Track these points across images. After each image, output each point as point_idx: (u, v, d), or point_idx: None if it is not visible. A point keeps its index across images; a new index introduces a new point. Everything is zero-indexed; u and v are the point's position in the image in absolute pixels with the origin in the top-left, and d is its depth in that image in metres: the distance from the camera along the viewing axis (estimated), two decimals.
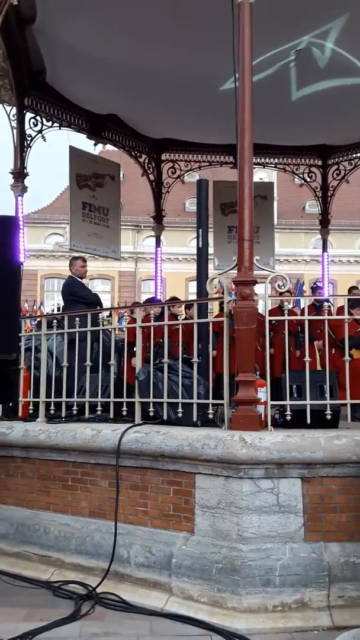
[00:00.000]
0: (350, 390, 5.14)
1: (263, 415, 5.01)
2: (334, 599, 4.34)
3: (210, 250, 6.44)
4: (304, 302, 9.59)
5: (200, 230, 6.02)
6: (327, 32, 7.23)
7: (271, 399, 5.08)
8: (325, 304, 5.42)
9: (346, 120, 9.61)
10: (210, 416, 5.24)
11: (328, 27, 7.11)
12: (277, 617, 4.27)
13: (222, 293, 5.50)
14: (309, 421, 5.02)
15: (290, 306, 8.47)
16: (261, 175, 24.65)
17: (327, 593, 4.34)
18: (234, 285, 5.13)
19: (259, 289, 5.15)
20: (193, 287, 9.91)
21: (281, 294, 5.89)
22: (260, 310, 5.84)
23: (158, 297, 11.58)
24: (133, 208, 32.89)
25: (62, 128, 9.25)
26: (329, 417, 5.05)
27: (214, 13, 5.89)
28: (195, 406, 5.30)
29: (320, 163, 11.57)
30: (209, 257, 6.44)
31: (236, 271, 5.10)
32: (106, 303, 27.90)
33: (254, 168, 5.94)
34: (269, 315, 5.43)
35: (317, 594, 4.34)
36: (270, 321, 5.38)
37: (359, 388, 5.25)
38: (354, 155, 11.20)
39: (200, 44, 7.14)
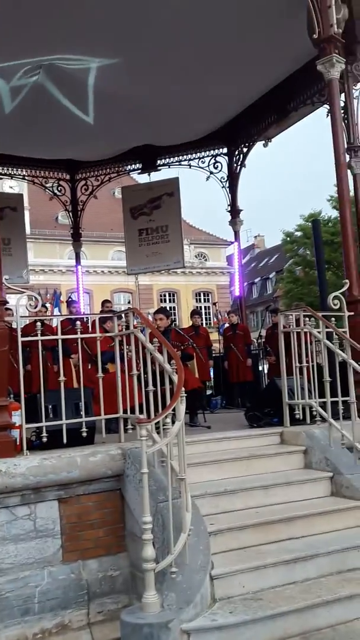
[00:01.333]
0: (105, 403, 5.25)
1: (18, 440, 4.86)
2: (93, 616, 4.42)
3: None
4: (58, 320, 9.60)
5: None
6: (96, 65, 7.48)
7: (28, 418, 4.95)
8: (78, 322, 5.43)
9: (89, 139, 9.88)
10: None
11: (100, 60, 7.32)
12: None
13: None
14: (65, 441, 5.01)
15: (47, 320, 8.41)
16: (11, 183, 24.04)
17: (86, 611, 4.40)
18: None
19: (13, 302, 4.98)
20: None
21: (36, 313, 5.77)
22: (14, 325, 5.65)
23: None
24: None
25: None
26: (84, 434, 5.10)
27: None
28: None
29: (68, 177, 11.75)
30: None
31: None
32: None
33: (1, 178, 5.73)
34: (24, 332, 5.28)
35: (76, 614, 4.37)
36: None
37: (113, 400, 5.39)
38: (99, 172, 11.60)
39: None
